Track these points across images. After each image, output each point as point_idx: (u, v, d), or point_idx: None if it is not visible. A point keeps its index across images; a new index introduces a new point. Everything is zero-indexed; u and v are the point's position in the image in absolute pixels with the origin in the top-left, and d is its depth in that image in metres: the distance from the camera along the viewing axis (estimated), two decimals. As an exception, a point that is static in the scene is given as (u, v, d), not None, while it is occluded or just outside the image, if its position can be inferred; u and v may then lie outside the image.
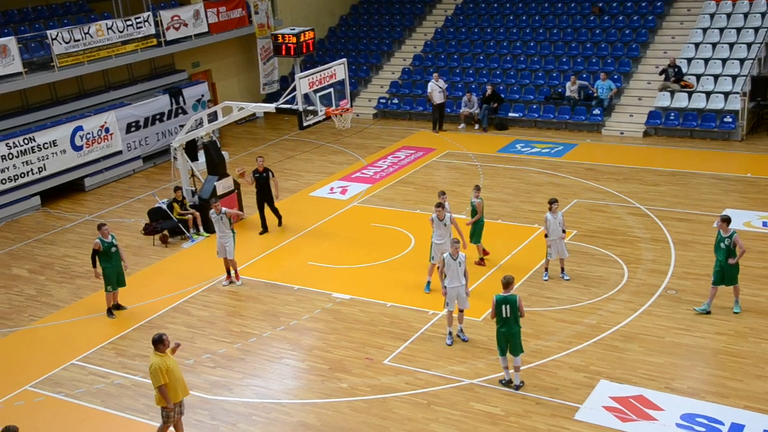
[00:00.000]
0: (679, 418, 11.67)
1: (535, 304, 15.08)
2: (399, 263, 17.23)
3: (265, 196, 19.25)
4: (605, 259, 16.75)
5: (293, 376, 13.59)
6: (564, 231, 15.67)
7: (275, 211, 19.49)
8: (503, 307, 12.20)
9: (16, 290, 17.44)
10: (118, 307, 16.05)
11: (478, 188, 16.79)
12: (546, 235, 15.62)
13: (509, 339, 12.32)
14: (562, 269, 15.94)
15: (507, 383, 12.61)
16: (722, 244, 14.13)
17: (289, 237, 19.08)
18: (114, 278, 15.66)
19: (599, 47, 27.88)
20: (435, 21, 32.13)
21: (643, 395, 12.23)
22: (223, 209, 16.47)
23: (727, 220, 14.17)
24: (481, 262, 16.73)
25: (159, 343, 10.99)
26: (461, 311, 13.91)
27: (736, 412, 11.74)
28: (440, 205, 15.44)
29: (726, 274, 14.22)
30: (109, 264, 15.55)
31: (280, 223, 19.60)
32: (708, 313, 14.35)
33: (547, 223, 15.57)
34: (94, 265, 15.53)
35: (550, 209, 15.58)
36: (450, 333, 14.01)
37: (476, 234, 16.65)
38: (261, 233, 19.31)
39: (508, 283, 12.25)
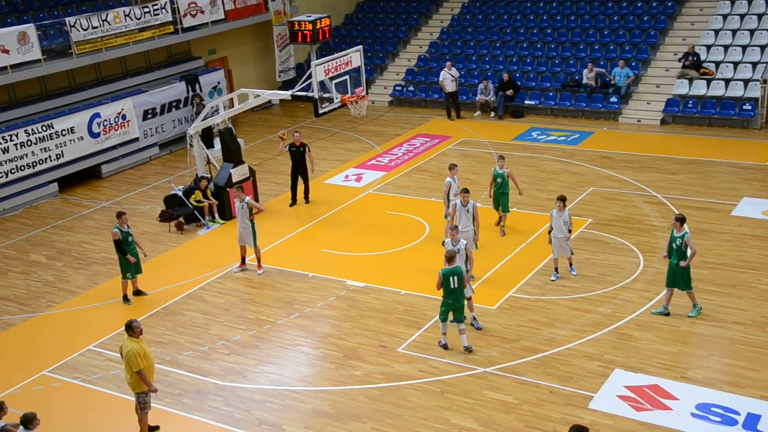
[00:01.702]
0: (695, 408, 11.62)
1: (549, 293, 15.05)
2: (413, 251, 17.22)
3: (299, 170, 19.99)
4: (621, 247, 16.66)
5: (307, 364, 13.65)
6: (570, 231, 15.27)
7: (307, 186, 20.19)
8: (450, 278, 12.91)
9: (34, 276, 17.61)
10: (139, 292, 16.21)
11: (503, 158, 17.57)
12: (549, 231, 15.39)
13: (455, 309, 13.13)
14: (570, 264, 15.68)
15: (444, 347, 13.40)
16: (674, 245, 13.69)
17: (303, 224, 19.12)
18: (132, 266, 15.78)
19: (617, 34, 27.63)
20: (451, 8, 31.94)
21: (657, 384, 12.18)
22: (246, 198, 16.50)
23: (680, 219, 13.72)
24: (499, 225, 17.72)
25: (129, 329, 11.23)
26: (468, 299, 13.90)
27: (753, 402, 11.68)
28: (466, 191, 15.69)
29: (676, 277, 13.75)
30: (129, 251, 15.69)
31: (306, 199, 20.24)
32: (667, 314, 13.96)
33: (552, 219, 15.33)
34: (124, 253, 15.57)
35: (557, 206, 15.27)
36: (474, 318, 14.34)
37: (507, 203, 17.54)
38: (291, 205, 20.13)
39: (451, 257, 13.03)
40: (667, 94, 25.03)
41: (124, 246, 15.55)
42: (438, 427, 11.66)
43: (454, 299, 13.08)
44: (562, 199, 15.23)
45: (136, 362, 11.16)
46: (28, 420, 10.51)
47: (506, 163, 17.66)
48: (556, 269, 15.59)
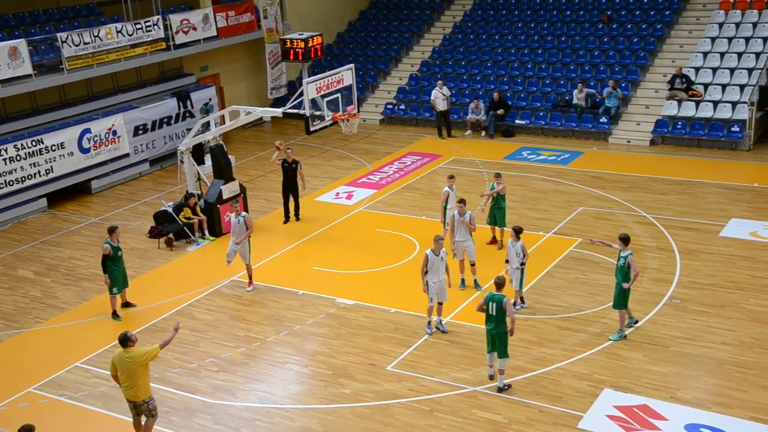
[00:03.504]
0: (683, 428, 11.62)
1: (539, 312, 15.05)
2: (404, 269, 17.21)
3: (290, 187, 20.00)
4: (610, 267, 16.63)
5: (296, 381, 13.58)
6: (523, 263, 14.73)
7: (297, 203, 20.19)
8: (490, 304, 12.50)
9: (22, 292, 17.49)
10: (128, 304, 16.18)
11: (498, 175, 17.71)
12: (506, 261, 15.04)
13: (495, 338, 12.57)
14: (521, 299, 15.27)
15: (491, 377, 12.93)
16: (618, 264, 13.77)
17: (294, 241, 19.09)
18: (120, 280, 15.76)
19: (607, 55, 27.86)
20: (443, 27, 32.16)
21: (647, 405, 12.18)
22: (243, 214, 16.47)
23: (623, 239, 13.74)
24: (493, 241, 17.97)
25: (128, 341, 11.38)
26: (440, 303, 14.35)
27: (741, 423, 11.69)
28: (462, 201, 15.87)
29: (616, 296, 13.80)
30: (116, 267, 15.64)
31: (297, 216, 20.24)
32: (624, 338, 13.97)
33: (507, 249, 14.97)
34: (105, 271, 15.53)
35: (511, 236, 14.80)
36: (429, 323, 14.53)
37: (504, 218, 17.78)
38: (285, 222, 20.12)
39: (500, 285, 12.58)
40: (657, 115, 25.23)
41: (111, 261, 15.47)
42: (427, 446, 11.62)
43: (493, 326, 12.51)
44: (517, 231, 14.69)
45: (149, 353, 11.27)
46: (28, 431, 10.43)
47: (502, 180, 17.69)
48: (522, 298, 15.25)
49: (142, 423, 11.70)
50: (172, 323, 15.22)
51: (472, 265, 16.02)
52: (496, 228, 17.96)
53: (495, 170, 22.69)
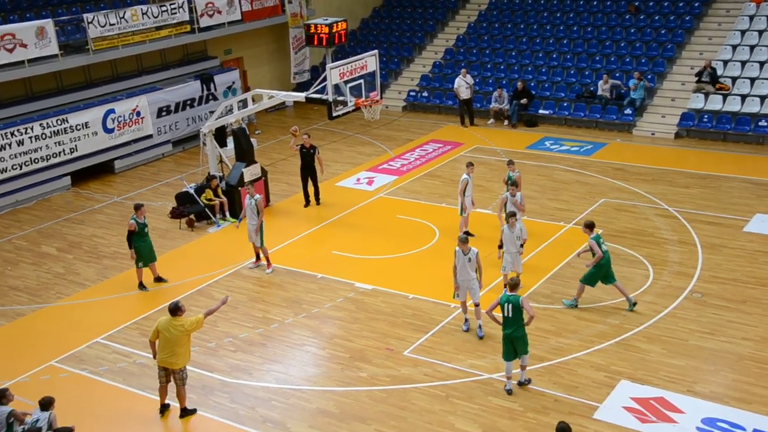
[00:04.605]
0: (700, 422, 11.56)
1: (558, 302, 15.01)
2: (423, 256, 17.22)
3: (309, 172, 20.04)
4: (631, 259, 16.61)
5: (313, 364, 13.66)
6: (521, 246, 15.05)
7: (317, 188, 20.21)
8: (506, 306, 12.03)
9: (45, 268, 17.70)
10: (160, 279, 16.47)
11: (512, 162, 17.63)
12: (500, 247, 15.05)
13: (513, 341, 12.10)
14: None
15: (509, 392, 12.35)
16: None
17: (314, 225, 19.15)
18: (146, 254, 16.09)
19: (633, 46, 27.58)
20: (468, 15, 31.97)
21: (663, 397, 12.13)
22: (257, 196, 16.57)
23: (588, 226, 14.38)
24: None
25: (178, 309, 11.76)
26: (477, 305, 13.86)
27: (759, 418, 11.60)
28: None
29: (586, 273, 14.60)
30: (142, 242, 15.96)
31: (317, 200, 20.28)
32: (575, 307, 14.68)
33: (503, 235, 14.97)
34: (131, 246, 15.91)
35: (507, 221, 14.91)
36: (466, 320, 14.17)
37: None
38: (305, 206, 20.18)
39: (514, 285, 12.15)
40: (682, 108, 24.97)
41: (137, 236, 15.81)
42: (442, 431, 11.64)
43: (511, 330, 12.08)
44: (512, 215, 14.92)
45: (198, 322, 11.75)
46: (48, 403, 10.61)
47: (516, 167, 17.74)
48: (505, 284, 15.02)
49: (168, 389, 12.09)
50: (192, 303, 15.46)
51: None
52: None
53: (517, 160, 22.65)
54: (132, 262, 16.15)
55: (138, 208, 15.99)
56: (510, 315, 12.05)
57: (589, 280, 14.59)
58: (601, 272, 14.48)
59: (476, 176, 21.02)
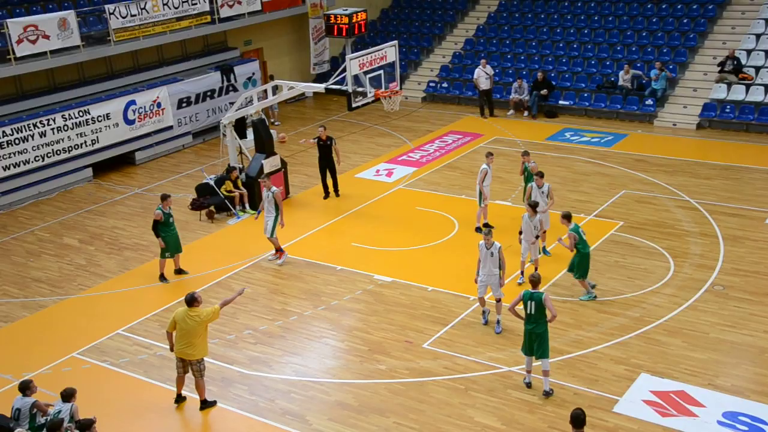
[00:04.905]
0: (721, 416, 11.49)
1: (577, 294, 14.94)
2: (442, 248, 17.20)
3: (327, 164, 20.09)
4: (651, 251, 16.50)
5: (332, 356, 13.70)
6: (537, 237, 15.22)
7: (335, 179, 20.24)
8: (528, 303, 11.89)
9: (67, 259, 17.87)
10: (181, 271, 16.55)
11: (527, 153, 17.47)
12: (520, 233, 15.24)
13: (535, 339, 11.96)
14: (536, 268, 15.36)
15: (528, 385, 12.29)
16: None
17: (333, 217, 19.18)
18: (172, 244, 16.20)
19: (655, 36, 27.30)
20: (488, 5, 31.78)
21: (684, 391, 12.06)
22: (273, 188, 16.61)
23: (566, 216, 14.56)
24: None
25: (195, 301, 11.84)
26: (498, 301, 13.82)
27: (781, 412, 11.52)
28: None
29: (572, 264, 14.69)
30: (168, 232, 16.10)
31: (336, 192, 20.29)
32: (595, 298, 14.73)
33: (523, 222, 15.14)
34: (158, 235, 16.05)
35: (528, 211, 15.11)
36: (483, 312, 14.15)
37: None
38: (324, 198, 20.22)
39: (536, 282, 11.99)
40: (705, 99, 24.71)
41: (163, 227, 15.92)
42: (461, 424, 11.65)
43: (533, 326, 11.94)
44: (533, 206, 15.06)
45: (214, 312, 11.82)
46: (69, 395, 10.73)
47: (531, 158, 17.60)
48: (522, 272, 15.43)
49: (185, 380, 12.21)
50: (211, 295, 15.55)
51: (544, 232, 15.86)
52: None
53: (537, 151, 22.57)
54: (148, 253, 16.23)
55: (165, 198, 16.10)
56: (533, 312, 11.93)
57: (580, 270, 14.56)
58: (585, 261, 14.46)
59: (496, 168, 20.94)
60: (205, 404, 12.28)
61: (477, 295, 14.09)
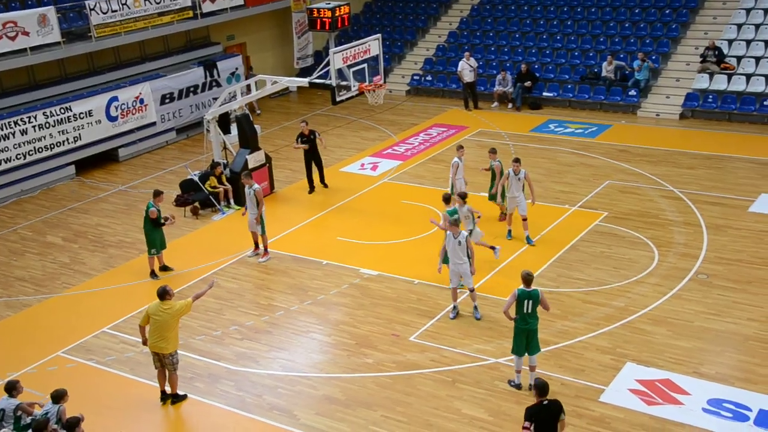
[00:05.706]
0: (706, 403, 11.58)
1: (563, 285, 15.01)
2: (428, 240, 17.20)
3: (313, 156, 20.03)
4: (635, 241, 16.59)
5: (319, 350, 13.70)
6: (523, 190, 16.44)
7: (321, 171, 20.23)
8: (526, 302, 11.70)
9: (50, 258, 17.75)
10: (165, 268, 16.52)
11: (494, 151, 17.70)
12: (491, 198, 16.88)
13: (528, 335, 11.92)
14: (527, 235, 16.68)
15: (518, 387, 12.20)
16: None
17: (318, 212, 19.15)
18: (158, 241, 16.15)
19: (637, 27, 27.40)
20: (471, -3, 31.80)
21: (669, 379, 12.14)
22: (255, 185, 16.53)
23: (461, 196, 15.42)
24: (503, 217, 17.61)
25: (166, 294, 11.84)
26: (471, 291, 13.94)
27: (765, 398, 11.61)
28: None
29: None
30: (156, 229, 16.03)
31: (324, 183, 20.39)
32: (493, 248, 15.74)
33: (510, 179, 16.44)
34: (162, 225, 16.08)
35: (512, 166, 16.40)
36: (454, 307, 14.19)
37: (502, 194, 17.47)
38: (309, 192, 20.20)
39: (530, 280, 11.70)
40: (687, 89, 24.83)
41: (153, 223, 15.93)
42: (448, 416, 11.69)
43: (528, 324, 11.78)
44: (516, 161, 16.47)
45: (186, 305, 11.84)
46: (59, 396, 10.66)
47: (498, 156, 17.74)
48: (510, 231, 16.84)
49: (166, 374, 12.18)
50: (197, 290, 15.43)
51: (524, 219, 16.60)
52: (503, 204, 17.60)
53: (521, 143, 22.63)
54: (132, 253, 16.11)
55: (157, 194, 16.05)
56: (530, 311, 11.78)
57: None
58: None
59: (480, 160, 21.05)
60: (177, 398, 12.26)
61: (449, 285, 14.15)
